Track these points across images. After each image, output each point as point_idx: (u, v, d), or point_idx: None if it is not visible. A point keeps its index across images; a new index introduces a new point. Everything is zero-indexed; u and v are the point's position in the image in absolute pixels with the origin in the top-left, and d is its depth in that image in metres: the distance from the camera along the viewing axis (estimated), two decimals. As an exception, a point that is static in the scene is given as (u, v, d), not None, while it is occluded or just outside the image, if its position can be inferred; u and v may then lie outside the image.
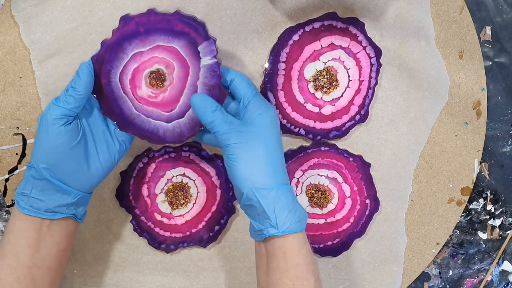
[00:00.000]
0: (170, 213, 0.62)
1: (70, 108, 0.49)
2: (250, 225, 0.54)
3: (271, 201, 0.50)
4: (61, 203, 0.51)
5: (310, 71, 0.61)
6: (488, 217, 0.68)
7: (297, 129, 0.62)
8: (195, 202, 0.62)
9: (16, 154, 0.61)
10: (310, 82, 0.61)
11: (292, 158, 0.63)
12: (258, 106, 0.53)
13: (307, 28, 0.60)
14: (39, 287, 0.51)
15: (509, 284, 0.69)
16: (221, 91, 0.53)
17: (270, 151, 0.52)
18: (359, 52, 0.61)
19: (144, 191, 0.61)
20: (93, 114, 0.54)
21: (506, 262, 0.69)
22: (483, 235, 0.68)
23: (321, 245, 0.64)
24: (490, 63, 0.65)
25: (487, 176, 0.68)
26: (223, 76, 0.54)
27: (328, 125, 0.62)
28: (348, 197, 0.64)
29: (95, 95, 0.54)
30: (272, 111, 0.54)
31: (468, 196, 0.67)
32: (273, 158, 0.52)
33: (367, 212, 0.64)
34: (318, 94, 0.61)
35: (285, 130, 0.62)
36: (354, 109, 0.62)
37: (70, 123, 0.50)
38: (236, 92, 0.55)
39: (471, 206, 0.68)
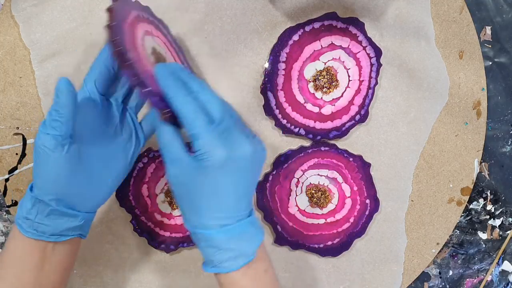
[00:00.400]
0: (170, 213, 0.62)
1: (60, 134, 0.44)
2: None
3: (199, 241, 0.47)
4: (67, 226, 0.48)
5: (310, 71, 0.61)
6: (488, 217, 0.68)
7: (297, 129, 0.62)
8: (195, 202, 0.62)
9: (16, 154, 0.61)
10: (310, 82, 0.61)
11: (292, 158, 0.63)
12: (205, 149, 0.44)
13: (307, 28, 0.60)
14: None
15: (509, 284, 0.69)
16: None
17: (200, 194, 0.45)
18: (359, 52, 0.61)
19: (144, 191, 0.61)
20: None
21: (506, 262, 0.69)
22: (483, 235, 0.68)
23: (321, 245, 0.64)
24: (490, 63, 0.65)
25: (487, 176, 0.68)
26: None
27: (328, 125, 0.62)
28: (348, 197, 0.64)
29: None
30: (215, 154, 0.43)
31: (468, 196, 0.67)
32: (201, 203, 0.45)
33: (367, 212, 0.64)
34: (318, 94, 0.61)
35: (285, 130, 0.62)
36: (354, 109, 0.62)
37: (68, 149, 0.45)
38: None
39: (471, 206, 0.68)
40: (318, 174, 0.63)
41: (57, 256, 0.49)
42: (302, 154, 0.63)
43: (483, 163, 0.67)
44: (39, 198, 0.46)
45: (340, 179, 0.64)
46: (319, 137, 0.62)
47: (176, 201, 0.48)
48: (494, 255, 0.69)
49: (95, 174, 0.49)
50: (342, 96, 0.62)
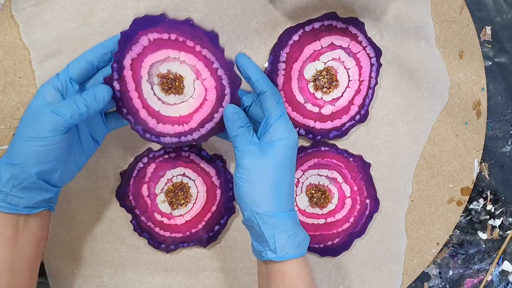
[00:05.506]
0: (170, 213, 0.62)
1: (72, 122, 0.49)
2: (252, 243, 0.54)
3: (270, 227, 0.51)
4: (40, 199, 0.51)
5: (310, 71, 0.61)
6: (488, 217, 0.68)
7: (297, 129, 0.62)
8: (195, 202, 0.62)
9: (16, 154, 0.61)
10: (310, 82, 0.61)
11: (292, 158, 0.63)
12: (280, 130, 0.53)
13: (307, 28, 0.60)
14: (19, 279, 0.51)
15: (509, 284, 0.69)
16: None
17: (279, 178, 0.52)
18: (359, 52, 0.61)
19: (144, 191, 0.61)
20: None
21: (506, 262, 0.69)
22: (483, 235, 0.68)
23: (321, 245, 0.64)
24: (490, 63, 0.65)
25: (487, 176, 0.68)
26: (255, 79, 0.54)
27: (328, 125, 0.62)
28: (348, 197, 0.64)
29: None
30: (293, 137, 0.53)
31: (468, 196, 0.67)
32: (281, 186, 0.52)
33: (367, 212, 0.64)
34: (318, 94, 0.61)
35: (285, 130, 0.62)
36: (354, 109, 0.62)
37: (67, 132, 0.50)
38: (263, 106, 0.54)
39: (471, 206, 0.68)
40: (318, 174, 0.63)
41: (30, 229, 0.51)
42: (302, 154, 0.63)
43: (483, 163, 0.67)
44: (25, 171, 0.48)
45: (340, 179, 0.64)
46: (319, 137, 0.62)
47: (244, 192, 0.52)
48: (494, 255, 0.69)
49: (75, 154, 0.53)
50: (342, 96, 0.62)
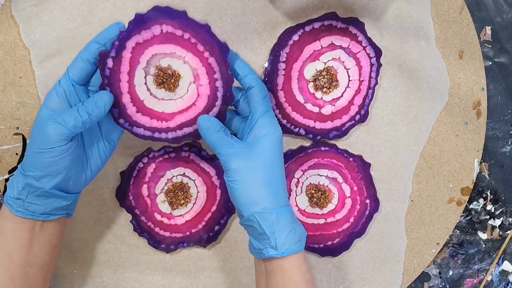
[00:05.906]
0: (170, 213, 0.62)
1: (77, 131, 0.49)
2: (250, 242, 0.54)
3: (271, 223, 0.51)
4: (57, 206, 0.51)
5: (310, 71, 0.61)
6: (488, 217, 0.68)
7: (297, 129, 0.62)
8: (195, 202, 0.62)
9: (16, 154, 0.61)
10: (310, 82, 0.61)
11: (292, 158, 0.63)
12: (266, 125, 0.53)
13: (307, 28, 0.60)
14: (32, 284, 0.51)
15: (509, 284, 0.69)
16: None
17: (272, 174, 0.52)
18: (359, 52, 0.61)
19: (144, 191, 0.61)
20: None
21: (506, 262, 0.69)
22: (483, 235, 0.68)
23: (321, 245, 0.64)
24: (490, 63, 0.65)
25: (487, 176, 0.68)
26: (243, 75, 0.55)
27: (328, 125, 0.62)
28: (348, 197, 0.64)
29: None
30: (278, 132, 0.53)
31: (468, 196, 0.67)
32: (274, 181, 0.52)
33: (367, 212, 0.64)
34: (318, 94, 0.61)
35: (285, 130, 0.62)
36: (354, 109, 0.62)
37: (72, 139, 0.50)
38: (249, 101, 0.55)
39: (471, 206, 0.68)
40: (318, 174, 0.63)
41: (45, 235, 0.52)
42: (302, 154, 0.63)
43: (483, 163, 0.67)
44: (33, 177, 0.49)
45: (340, 179, 0.64)
46: (319, 137, 0.62)
47: (239, 194, 0.51)
48: (494, 255, 0.69)
49: (83, 161, 0.53)
50: (342, 96, 0.62)
